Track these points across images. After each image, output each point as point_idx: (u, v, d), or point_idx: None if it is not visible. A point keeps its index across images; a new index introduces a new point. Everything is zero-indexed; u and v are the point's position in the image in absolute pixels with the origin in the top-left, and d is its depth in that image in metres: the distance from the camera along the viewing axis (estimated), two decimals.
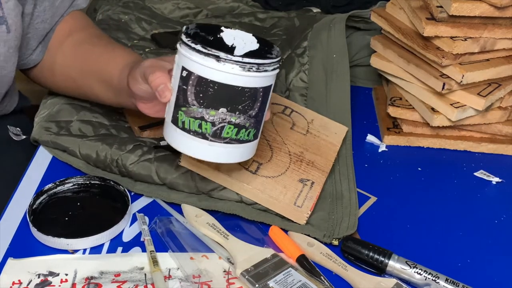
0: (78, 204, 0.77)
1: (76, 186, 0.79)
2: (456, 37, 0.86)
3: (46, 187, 0.78)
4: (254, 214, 0.76)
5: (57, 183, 0.78)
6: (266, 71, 0.64)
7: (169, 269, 0.69)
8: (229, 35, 0.68)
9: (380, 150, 0.93)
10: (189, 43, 0.63)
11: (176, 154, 0.80)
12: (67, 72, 0.89)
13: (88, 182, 0.80)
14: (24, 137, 0.96)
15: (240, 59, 0.62)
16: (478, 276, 0.71)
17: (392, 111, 0.95)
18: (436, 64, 0.87)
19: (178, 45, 0.65)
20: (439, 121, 0.90)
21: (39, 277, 0.68)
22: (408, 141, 0.94)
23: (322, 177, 0.80)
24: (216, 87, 0.63)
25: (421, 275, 0.68)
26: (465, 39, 0.85)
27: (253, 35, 0.68)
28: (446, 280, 0.68)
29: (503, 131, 0.94)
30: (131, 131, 0.89)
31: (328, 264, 0.71)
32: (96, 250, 0.72)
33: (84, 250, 0.72)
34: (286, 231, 0.75)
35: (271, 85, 0.67)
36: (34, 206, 0.76)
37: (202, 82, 0.63)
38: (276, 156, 0.81)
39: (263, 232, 0.75)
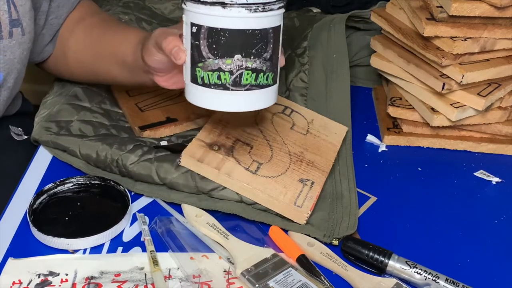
0: (78, 204, 0.77)
1: (76, 186, 0.79)
2: (456, 37, 0.86)
3: (46, 187, 0.78)
4: (254, 214, 0.76)
5: (57, 183, 0.78)
6: (272, 9, 0.65)
7: (169, 269, 0.69)
8: None
9: (380, 150, 0.93)
10: None
11: (176, 154, 0.80)
12: (81, 57, 0.90)
13: (88, 182, 0.80)
14: (26, 137, 0.96)
15: (245, 1, 0.62)
16: (478, 276, 0.71)
17: (392, 111, 0.95)
18: (436, 64, 0.87)
19: (183, 5, 0.66)
20: (439, 121, 0.90)
21: (39, 277, 0.68)
22: (408, 141, 0.94)
23: (322, 177, 0.80)
24: (227, 35, 0.63)
25: (421, 275, 0.68)
26: (465, 39, 0.85)
27: None
28: (446, 280, 0.68)
29: (503, 131, 0.94)
30: (131, 131, 0.89)
31: (328, 264, 0.71)
32: (96, 250, 0.72)
33: (84, 250, 0.72)
34: (286, 231, 0.75)
35: (280, 25, 0.67)
36: (34, 206, 0.76)
37: (213, 32, 0.64)
38: (276, 156, 0.81)
39: (263, 232, 0.75)
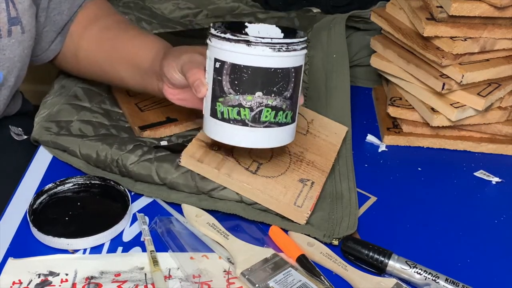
0: (79, 204, 0.77)
1: (76, 186, 0.79)
2: (456, 37, 0.86)
3: (47, 187, 0.78)
4: (254, 214, 0.76)
5: (57, 183, 0.78)
6: (295, 50, 0.66)
7: (169, 269, 0.69)
8: (253, 29, 0.70)
9: (380, 150, 0.93)
10: (218, 33, 0.65)
11: (176, 154, 0.80)
12: (93, 57, 0.90)
13: (88, 182, 0.80)
14: (26, 137, 0.96)
15: (269, 40, 0.64)
16: (478, 276, 0.71)
17: (392, 111, 0.95)
18: (436, 64, 0.87)
19: (208, 40, 0.67)
20: (439, 121, 0.90)
21: (39, 277, 0.68)
22: (408, 141, 0.94)
23: (322, 177, 0.80)
24: (249, 72, 0.64)
25: (421, 275, 0.68)
26: (465, 39, 0.85)
27: (276, 26, 0.70)
28: (446, 280, 0.68)
29: (503, 131, 0.94)
30: (131, 131, 0.89)
31: (328, 264, 0.71)
32: (96, 250, 0.72)
33: (84, 250, 0.72)
34: (286, 231, 0.75)
35: (302, 65, 0.68)
36: (35, 206, 0.76)
37: (236, 69, 0.65)
38: (276, 156, 0.81)
39: (263, 232, 0.75)
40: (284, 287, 0.66)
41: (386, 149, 0.93)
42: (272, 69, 0.65)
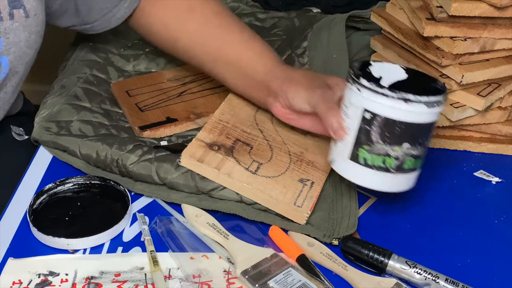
0: (79, 204, 0.77)
1: (76, 186, 0.79)
2: (456, 37, 0.86)
3: (47, 187, 0.78)
4: (254, 214, 0.76)
5: (58, 183, 0.79)
6: (442, 104, 0.69)
7: (169, 269, 0.69)
8: (377, 68, 0.71)
9: None
10: (373, 87, 0.66)
11: (176, 154, 0.80)
12: (193, 52, 0.89)
13: (88, 182, 0.80)
14: (27, 137, 0.96)
15: (427, 99, 0.66)
16: (478, 276, 0.71)
17: None
18: (436, 64, 0.87)
19: (355, 88, 0.68)
20: (439, 121, 0.90)
21: (39, 277, 0.68)
22: None
23: (322, 177, 0.80)
24: (402, 126, 0.67)
25: (421, 275, 0.68)
26: (465, 39, 0.85)
27: (400, 66, 0.72)
28: (446, 280, 0.68)
29: (503, 131, 0.94)
30: (131, 131, 0.89)
31: (328, 264, 0.71)
32: (96, 250, 0.72)
33: (84, 250, 0.72)
34: (286, 231, 0.75)
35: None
36: (35, 206, 0.76)
37: (389, 123, 0.67)
38: (276, 156, 0.81)
39: (263, 232, 0.75)
40: (284, 287, 0.66)
41: None
42: (424, 124, 0.68)
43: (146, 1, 0.91)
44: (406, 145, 0.68)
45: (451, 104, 0.89)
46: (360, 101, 0.67)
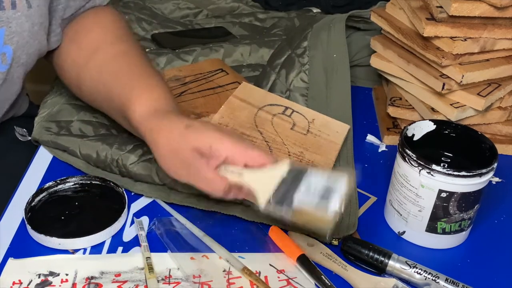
0: (76, 203, 0.77)
1: (77, 186, 0.79)
2: (456, 37, 0.86)
3: (47, 184, 0.78)
4: (253, 216, 0.76)
5: (58, 181, 0.78)
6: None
7: (169, 269, 0.69)
8: (415, 128, 0.77)
9: (380, 150, 0.93)
10: (449, 171, 0.69)
11: None
12: (94, 96, 0.84)
13: (89, 182, 0.80)
14: (30, 138, 0.96)
15: (493, 166, 0.71)
16: (478, 276, 0.71)
17: (392, 111, 0.95)
18: (436, 64, 0.87)
19: (425, 173, 0.70)
20: None
21: (39, 277, 0.68)
22: None
23: None
24: (476, 194, 0.71)
25: (421, 275, 0.68)
26: (465, 39, 0.85)
27: (429, 120, 0.77)
28: (446, 280, 0.68)
29: (503, 131, 0.94)
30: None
31: (328, 264, 0.71)
32: (96, 250, 0.72)
33: (85, 250, 0.72)
34: (286, 231, 0.75)
35: None
36: (33, 203, 0.76)
37: (465, 196, 0.71)
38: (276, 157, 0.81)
39: (263, 232, 0.75)
40: (308, 196, 0.64)
41: (386, 149, 0.93)
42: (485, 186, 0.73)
43: (64, 39, 0.88)
44: (477, 206, 0.73)
45: (451, 104, 0.89)
46: (433, 184, 0.70)
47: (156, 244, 0.72)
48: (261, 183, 0.66)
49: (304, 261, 0.70)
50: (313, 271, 0.69)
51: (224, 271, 0.69)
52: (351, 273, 0.69)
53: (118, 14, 0.92)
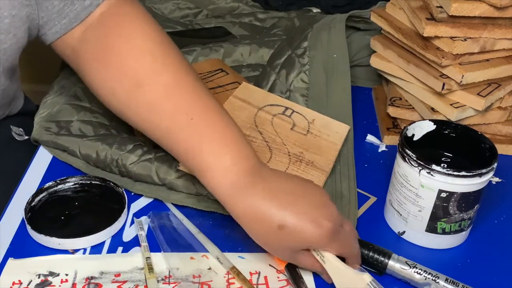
0: (76, 203, 0.77)
1: (77, 186, 0.79)
2: (456, 37, 0.86)
3: (47, 184, 0.78)
4: None
5: (58, 181, 0.78)
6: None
7: (169, 269, 0.69)
8: (414, 129, 0.77)
9: (380, 150, 0.93)
10: (449, 171, 0.69)
11: None
12: (145, 131, 0.74)
13: (89, 182, 0.80)
14: (27, 137, 0.96)
15: (493, 166, 0.71)
16: (478, 276, 0.71)
17: (392, 111, 0.95)
18: (436, 64, 0.87)
19: (426, 174, 0.70)
20: None
21: (39, 277, 0.68)
22: None
23: (322, 176, 0.80)
24: (475, 194, 0.71)
25: (421, 275, 0.68)
26: (465, 39, 0.85)
27: (429, 120, 0.77)
28: (446, 280, 0.68)
29: (503, 131, 0.94)
30: (132, 131, 0.89)
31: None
32: (96, 250, 0.72)
33: (84, 250, 0.72)
34: None
35: None
36: (33, 203, 0.76)
37: (465, 196, 0.70)
38: (275, 157, 0.81)
39: None
40: None
41: (386, 149, 0.93)
42: (485, 186, 0.72)
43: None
44: (477, 206, 0.73)
45: (451, 104, 0.89)
46: (433, 184, 0.70)
47: (156, 244, 0.72)
48: (340, 280, 0.66)
49: (291, 269, 0.69)
50: (298, 281, 0.67)
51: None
52: (328, 265, 0.66)
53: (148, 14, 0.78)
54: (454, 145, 0.77)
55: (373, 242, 0.72)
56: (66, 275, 0.68)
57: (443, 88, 0.87)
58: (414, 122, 0.77)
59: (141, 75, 0.71)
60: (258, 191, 0.63)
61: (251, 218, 0.63)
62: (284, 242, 0.63)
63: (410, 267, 0.69)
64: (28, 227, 0.72)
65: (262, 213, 0.62)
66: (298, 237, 0.62)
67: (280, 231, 0.62)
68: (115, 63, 0.73)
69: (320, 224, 0.62)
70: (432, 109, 0.91)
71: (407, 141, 0.74)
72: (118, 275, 0.69)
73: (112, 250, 0.72)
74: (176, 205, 0.78)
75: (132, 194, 0.80)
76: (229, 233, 0.74)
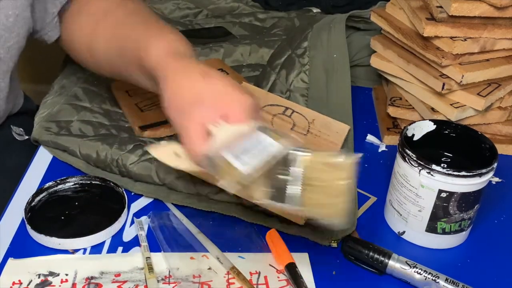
0: (76, 203, 0.77)
1: (77, 186, 0.79)
2: (456, 37, 0.86)
3: (47, 184, 0.78)
4: (252, 217, 0.76)
5: (58, 181, 0.79)
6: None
7: (169, 269, 0.69)
8: (414, 129, 0.77)
9: (380, 150, 0.93)
10: (449, 171, 0.69)
11: None
12: (108, 56, 0.81)
13: (89, 182, 0.80)
14: (27, 137, 0.96)
15: (493, 166, 0.71)
16: (478, 276, 0.71)
17: (392, 111, 0.95)
18: (436, 64, 0.87)
19: (426, 173, 0.70)
20: None
21: (39, 277, 0.68)
22: None
23: None
24: (475, 194, 0.71)
25: (421, 275, 0.68)
26: (465, 39, 0.85)
27: (429, 120, 0.77)
28: (446, 280, 0.68)
29: (503, 131, 0.94)
30: (131, 131, 0.89)
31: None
32: (96, 250, 0.72)
33: (85, 250, 0.72)
34: (285, 234, 0.74)
35: None
36: (33, 203, 0.76)
37: (465, 196, 0.71)
38: None
39: (261, 233, 0.75)
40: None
41: (386, 149, 0.93)
42: (485, 186, 0.73)
43: (68, 11, 0.86)
44: (477, 206, 0.73)
45: (451, 104, 0.89)
46: (433, 184, 0.70)
47: (156, 244, 0.72)
48: (223, 133, 0.63)
49: (291, 270, 0.69)
50: (298, 281, 0.68)
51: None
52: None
53: None
54: (454, 145, 0.77)
55: (373, 242, 0.72)
56: (66, 275, 0.68)
57: (443, 88, 0.87)
58: (414, 122, 0.77)
59: (109, 6, 0.83)
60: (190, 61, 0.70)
61: (179, 71, 0.68)
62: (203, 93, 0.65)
63: (410, 267, 0.69)
64: (28, 227, 0.72)
65: (192, 67, 0.68)
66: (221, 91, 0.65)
67: (204, 79, 0.66)
68: (85, 10, 0.85)
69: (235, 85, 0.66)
70: (432, 109, 0.91)
71: (407, 141, 0.74)
72: (118, 275, 0.69)
73: (112, 250, 0.72)
74: (176, 205, 0.78)
75: (132, 194, 0.80)
76: (229, 233, 0.74)
